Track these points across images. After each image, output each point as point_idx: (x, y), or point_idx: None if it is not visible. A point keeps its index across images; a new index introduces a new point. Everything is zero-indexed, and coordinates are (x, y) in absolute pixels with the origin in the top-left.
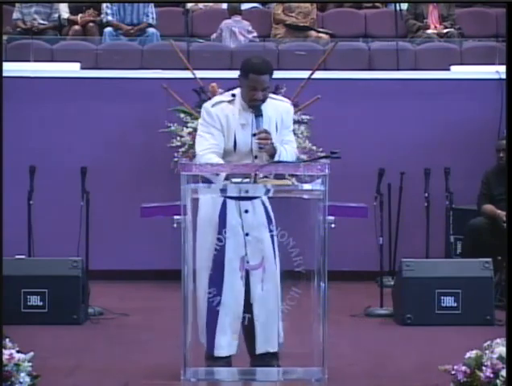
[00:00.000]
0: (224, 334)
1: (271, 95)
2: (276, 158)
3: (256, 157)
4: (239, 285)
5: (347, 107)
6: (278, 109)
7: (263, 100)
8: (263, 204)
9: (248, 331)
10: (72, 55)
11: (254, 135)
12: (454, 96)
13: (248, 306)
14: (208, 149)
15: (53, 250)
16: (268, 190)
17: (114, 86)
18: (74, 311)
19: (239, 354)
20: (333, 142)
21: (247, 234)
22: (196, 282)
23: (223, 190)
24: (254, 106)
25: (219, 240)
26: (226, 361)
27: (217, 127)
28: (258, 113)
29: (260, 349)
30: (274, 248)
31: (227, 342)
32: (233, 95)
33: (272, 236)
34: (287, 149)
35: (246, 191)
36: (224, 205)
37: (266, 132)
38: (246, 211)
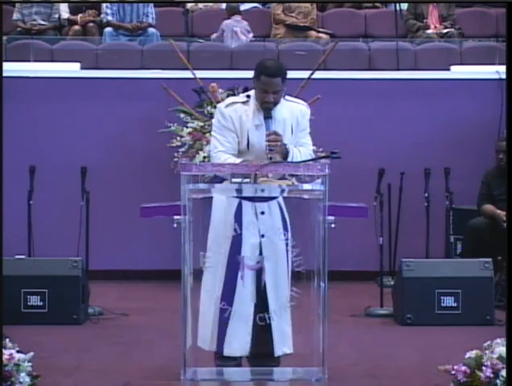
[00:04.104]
0: (235, 333)
1: (288, 97)
2: (289, 160)
3: (270, 158)
4: (247, 286)
5: (347, 107)
6: (293, 112)
7: (275, 103)
8: (279, 207)
9: (261, 332)
10: (71, 55)
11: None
12: (454, 96)
13: (261, 306)
14: (222, 151)
15: (53, 250)
16: (283, 191)
17: (114, 86)
18: (74, 311)
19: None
20: (333, 142)
21: (263, 235)
22: (202, 285)
23: (238, 191)
24: (266, 108)
25: (232, 240)
26: (236, 361)
27: (231, 128)
28: (267, 115)
29: (278, 351)
30: (286, 251)
31: (239, 343)
32: (248, 96)
33: (286, 240)
34: (301, 150)
35: (262, 191)
36: (239, 206)
37: (275, 133)
38: (262, 213)
